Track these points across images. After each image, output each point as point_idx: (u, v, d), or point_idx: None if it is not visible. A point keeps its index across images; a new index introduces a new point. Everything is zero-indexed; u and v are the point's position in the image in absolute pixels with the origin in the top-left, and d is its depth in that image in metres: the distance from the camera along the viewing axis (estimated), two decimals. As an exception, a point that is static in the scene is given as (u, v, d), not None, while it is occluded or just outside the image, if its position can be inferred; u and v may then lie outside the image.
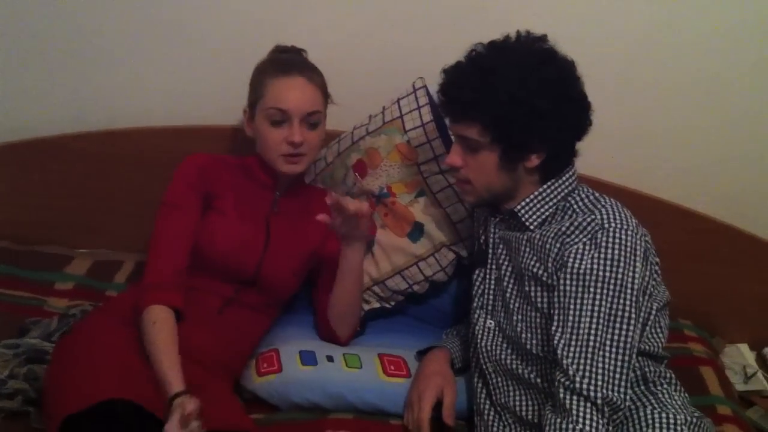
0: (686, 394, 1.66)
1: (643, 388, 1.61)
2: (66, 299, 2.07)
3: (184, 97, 2.23)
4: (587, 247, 1.53)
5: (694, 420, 1.57)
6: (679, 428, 1.53)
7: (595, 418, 1.43)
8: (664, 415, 1.54)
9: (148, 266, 1.73)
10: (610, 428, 1.45)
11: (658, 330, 1.65)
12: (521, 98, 1.52)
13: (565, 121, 1.58)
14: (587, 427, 1.42)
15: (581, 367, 1.46)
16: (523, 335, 1.61)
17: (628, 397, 1.48)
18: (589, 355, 1.46)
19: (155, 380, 1.58)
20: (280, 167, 1.82)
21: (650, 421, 1.54)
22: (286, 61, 1.84)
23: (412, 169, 2.00)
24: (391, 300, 2.06)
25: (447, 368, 1.80)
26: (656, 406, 1.57)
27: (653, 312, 1.62)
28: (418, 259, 2.00)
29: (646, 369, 1.62)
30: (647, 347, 1.62)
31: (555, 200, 1.64)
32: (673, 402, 1.59)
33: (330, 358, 1.84)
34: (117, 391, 1.52)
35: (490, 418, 1.69)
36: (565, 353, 1.48)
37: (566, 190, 1.64)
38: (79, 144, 2.22)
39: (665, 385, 1.63)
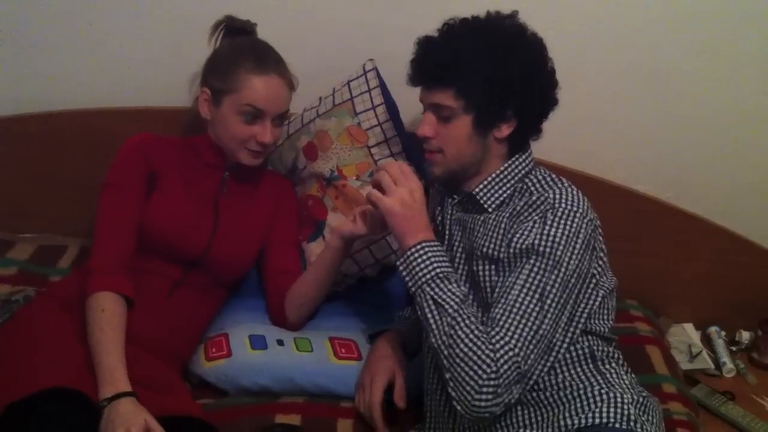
0: (633, 375, 1.68)
1: (591, 366, 1.62)
2: (9, 285, 2.02)
3: (126, 78, 2.18)
4: (536, 225, 1.54)
5: (641, 399, 1.59)
6: (626, 407, 1.54)
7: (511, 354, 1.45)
8: (611, 393, 1.56)
9: (95, 250, 1.69)
10: (517, 388, 1.46)
11: (605, 315, 1.66)
12: (496, 62, 1.55)
13: (536, 91, 1.61)
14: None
15: (503, 327, 1.47)
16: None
17: (534, 376, 1.52)
18: (511, 319, 1.47)
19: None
20: (241, 159, 1.81)
21: (597, 400, 1.55)
22: (262, 55, 1.79)
23: (363, 151, 1.99)
24: (342, 283, 2.05)
25: (398, 351, 1.80)
26: (603, 385, 1.58)
27: (599, 299, 1.63)
28: (369, 242, 1.99)
29: (594, 347, 1.63)
30: (595, 330, 1.64)
31: (512, 181, 1.65)
32: (621, 381, 1.61)
33: (280, 342, 1.83)
34: (61, 379, 1.49)
35: (441, 398, 1.69)
36: (495, 313, 1.50)
37: (523, 171, 1.66)
38: (18, 126, 2.16)
39: (613, 365, 1.64)
